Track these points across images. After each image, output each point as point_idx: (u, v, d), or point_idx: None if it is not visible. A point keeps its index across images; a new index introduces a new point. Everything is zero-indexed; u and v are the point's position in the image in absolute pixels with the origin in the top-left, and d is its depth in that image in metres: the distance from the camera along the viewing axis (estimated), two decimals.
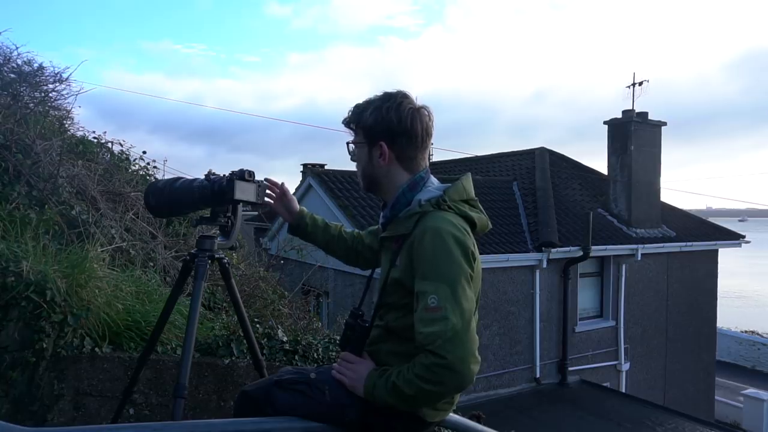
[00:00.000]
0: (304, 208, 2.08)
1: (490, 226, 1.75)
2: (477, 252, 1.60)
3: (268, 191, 2.06)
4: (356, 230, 2.13)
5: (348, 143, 1.78)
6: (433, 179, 1.73)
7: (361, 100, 1.75)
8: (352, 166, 1.82)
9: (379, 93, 1.71)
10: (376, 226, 2.01)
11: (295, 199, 2.09)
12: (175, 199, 2.09)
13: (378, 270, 1.90)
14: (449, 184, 1.69)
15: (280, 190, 2.06)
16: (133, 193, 4.16)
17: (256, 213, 15.60)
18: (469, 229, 1.61)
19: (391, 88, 1.73)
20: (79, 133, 5.13)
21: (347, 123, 1.76)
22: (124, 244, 3.53)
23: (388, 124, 1.65)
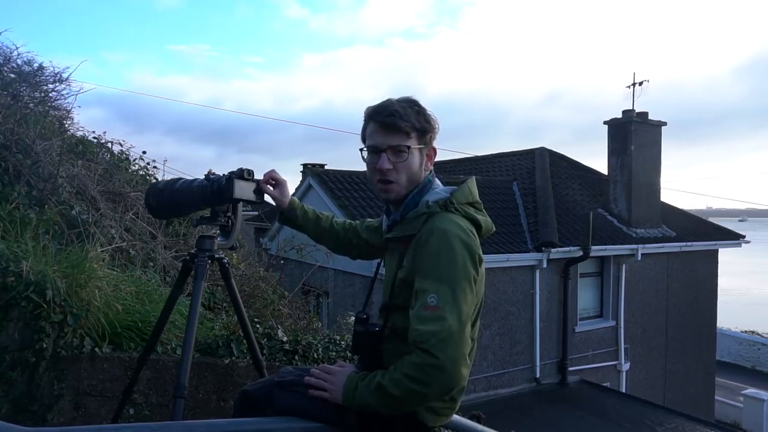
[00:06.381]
0: (296, 199, 2.07)
1: (494, 228, 1.76)
2: (482, 255, 1.60)
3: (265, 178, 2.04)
4: (349, 221, 2.11)
5: (406, 147, 1.63)
6: (438, 182, 1.74)
7: (381, 100, 1.70)
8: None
9: (394, 96, 1.69)
10: (376, 221, 2.02)
11: (287, 186, 2.08)
12: (175, 200, 2.09)
13: (379, 271, 1.90)
14: (455, 187, 1.70)
15: (276, 178, 2.03)
16: (133, 193, 4.16)
17: (256, 213, 15.61)
18: (475, 232, 1.62)
19: (398, 93, 1.72)
20: (79, 133, 5.13)
21: (394, 124, 1.61)
22: (124, 244, 3.53)
23: (434, 127, 1.69)
